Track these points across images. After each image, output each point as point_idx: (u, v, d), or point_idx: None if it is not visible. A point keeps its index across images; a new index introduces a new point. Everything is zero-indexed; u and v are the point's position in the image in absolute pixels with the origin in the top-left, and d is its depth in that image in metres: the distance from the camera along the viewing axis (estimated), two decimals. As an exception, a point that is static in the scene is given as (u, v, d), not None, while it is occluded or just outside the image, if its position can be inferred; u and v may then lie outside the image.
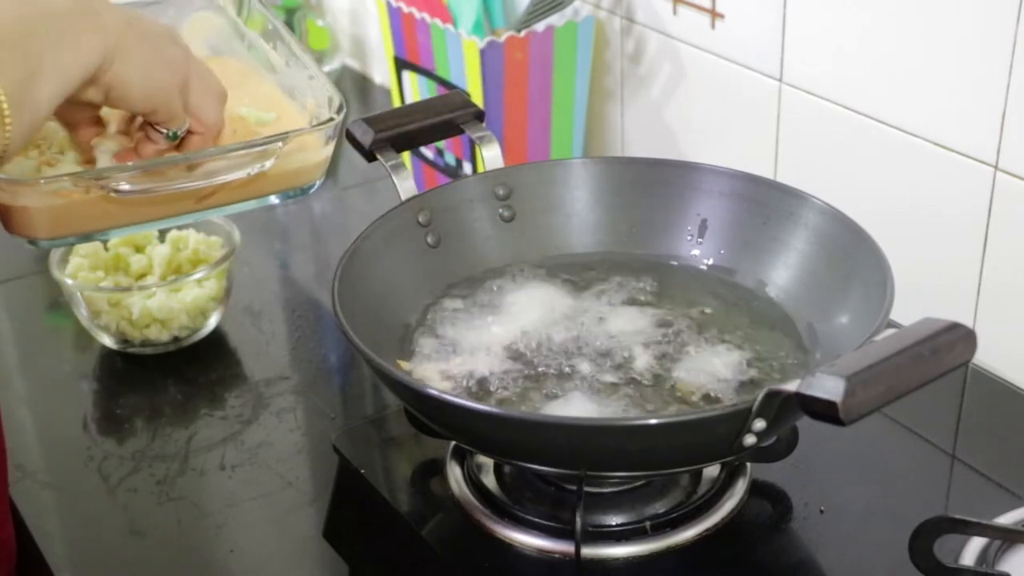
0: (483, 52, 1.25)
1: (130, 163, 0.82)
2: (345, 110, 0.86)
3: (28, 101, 0.70)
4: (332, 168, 1.55)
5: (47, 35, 0.72)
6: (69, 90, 0.74)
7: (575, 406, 0.83)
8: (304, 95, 0.90)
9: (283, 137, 0.83)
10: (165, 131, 0.81)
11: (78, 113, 0.81)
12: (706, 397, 0.83)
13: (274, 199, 0.87)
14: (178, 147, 0.82)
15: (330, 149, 0.87)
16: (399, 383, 0.78)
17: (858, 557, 0.83)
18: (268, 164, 0.83)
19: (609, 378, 0.86)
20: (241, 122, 0.87)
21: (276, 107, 0.90)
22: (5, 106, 0.69)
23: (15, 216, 0.79)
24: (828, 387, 0.64)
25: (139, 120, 0.82)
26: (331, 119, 0.85)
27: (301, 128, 0.85)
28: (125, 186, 0.80)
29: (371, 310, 0.88)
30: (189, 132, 0.82)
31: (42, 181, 0.79)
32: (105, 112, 0.83)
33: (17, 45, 0.70)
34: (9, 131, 0.69)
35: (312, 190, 0.89)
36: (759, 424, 0.71)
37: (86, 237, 0.85)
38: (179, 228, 1.19)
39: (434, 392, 0.76)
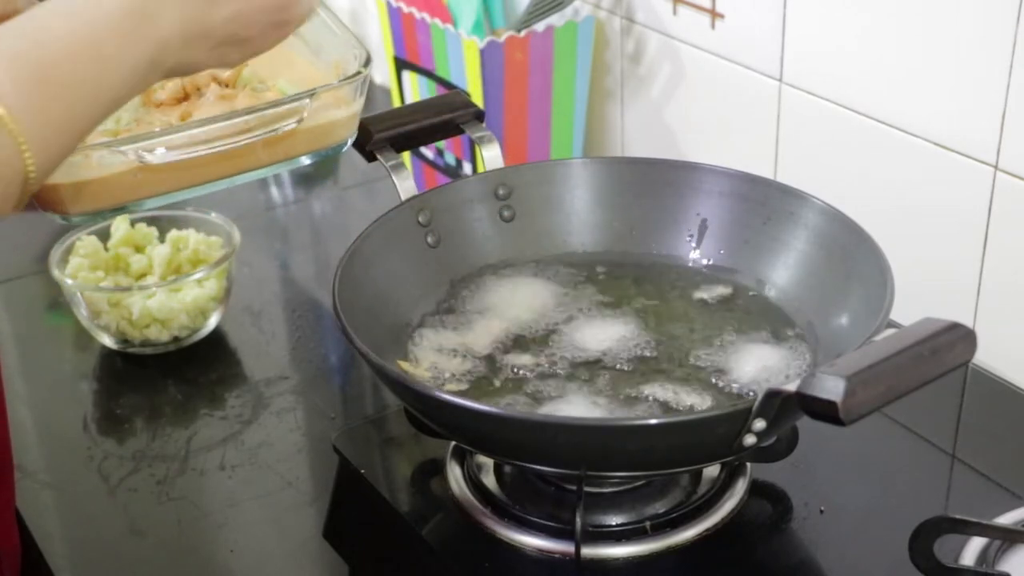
0: (483, 52, 1.25)
1: (157, 129, 0.80)
2: (372, 63, 0.85)
3: (54, 134, 0.65)
4: (332, 168, 1.57)
5: (91, 70, 0.66)
6: (117, 106, 0.69)
7: (574, 406, 0.83)
8: (329, 53, 0.89)
9: (311, 93, 0.82)
10: None
11: None
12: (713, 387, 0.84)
13: (305, 159, 0.86)
14: None
15: (360, 104, 0.87)
16: (399, 383, 0.78)
17: (858, 557, 0.83)
18: (296, 121, 0.82)
19: (609, 379, 0.86)
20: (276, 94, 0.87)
21: (303, 69, 0.89)
22: (23, 143, 0.63)
23: (44, 192, 0.77)
24: (828, 387, 0.64)
25: None
26: (358, 72, 0.84)
27: (329, 84, 0.84)
28: (158, 152, 0.78)
29: (371, 310, 0.88)
30: None
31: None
32: None
33: (60, 83, 0.65)
34: (32, 168, 0.64)
35: (344, 148, 0.88)
36: (759, 424, 0.71)
37: (119, 209, 0.83)
38: (179, 228, 1.19)
39: (434, 392, 0.76)
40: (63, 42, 0.66)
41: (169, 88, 0.87)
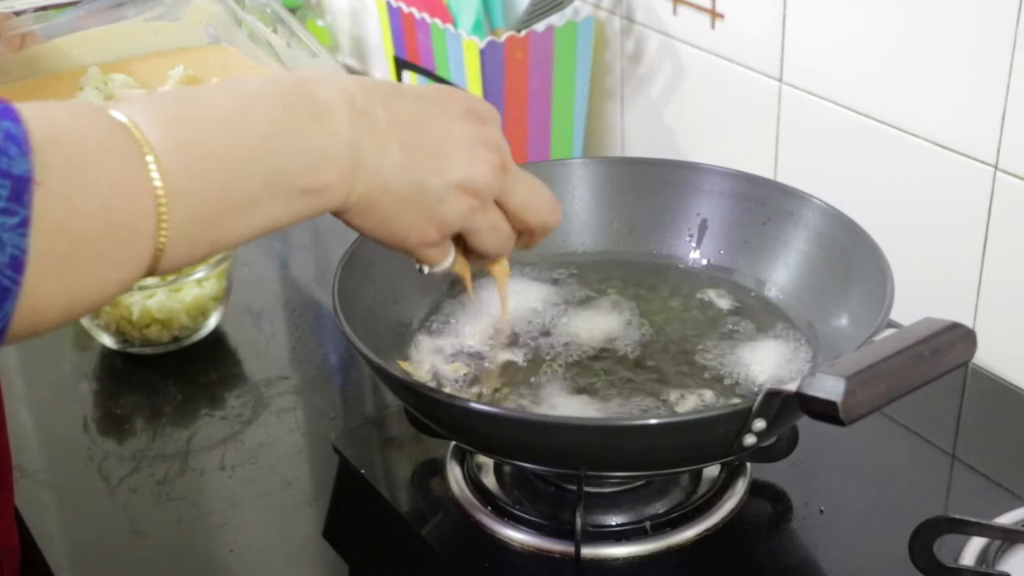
0: (483, 52, 1.25)
1: None
2: None
3: (215, 232, 0.58)
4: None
5: (275, 173, 0.59)
6: (275, 229, 0.62)
7: (573, 405, 0.83)
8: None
9: None
10: (420, 266, 0.72)
11: None
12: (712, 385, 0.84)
13: None
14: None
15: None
16: (399, 383, 0.78)
17: (858, 557, 0.83)
18: None
19: (609, 379, 0.86)
20: None
21: None
22: (165, 232, 0.55)
23: None
24: (828, 387, 0.64)
25: None
26: None
27: None
28: None
29: (371, 310, 0.88)
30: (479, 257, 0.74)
31: None
32: None
33: (237, 169, 0.58)
34: (164, 260, 0.56)
35: None
36: (759, 424, 0.71)
37: None
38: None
39: (434, 392, 0.76)
40: (222, 111, 0.59)
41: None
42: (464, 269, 0.76)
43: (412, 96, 0.67)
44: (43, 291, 0.51)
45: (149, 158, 0.54)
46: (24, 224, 0.49)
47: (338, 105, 0.62)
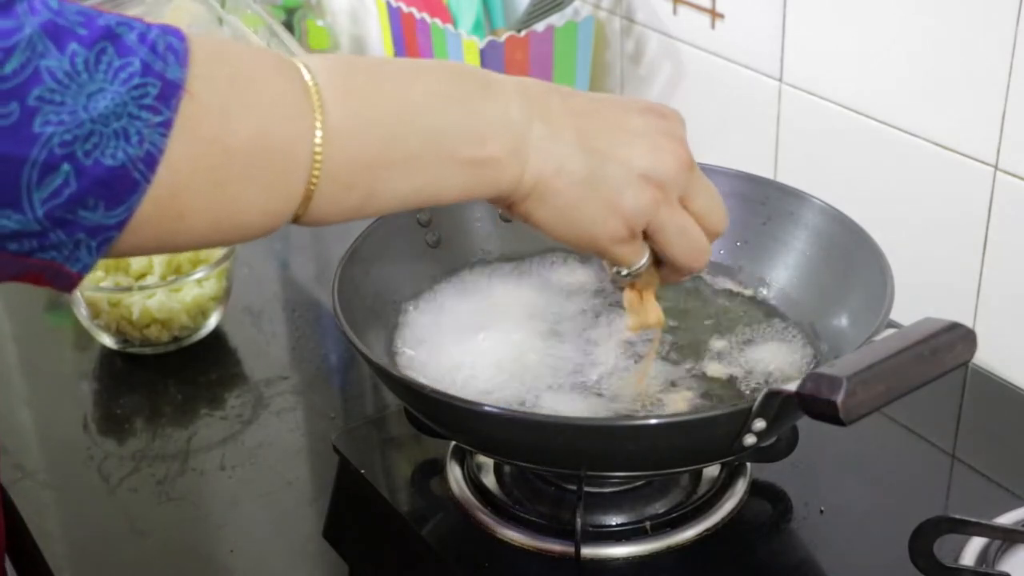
0: (483, 52, 1.25)
1: None
2: None
3: (370, 183, 0.58)
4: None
5: (440, 137, 0.60)
6: (437, 202, 0.62)
7: (574, 406, 0.83)
8: None
9: None
10: (615, 270, 0.70)
11: None
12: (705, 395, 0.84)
13: None
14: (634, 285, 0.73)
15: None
16: (399, 383, 0.78)
17: (858, 557, 0.83)
18: None
19: (608, 377, 0.86)
20: None
21: None
22: (318, 168, 0.56)
23: None
24: (828, 387, 0.63)
25: None
26: None
27: None
28: None
29: (371, 310, 0.88)
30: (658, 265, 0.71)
31: None
32: None
33: (416, 116, 0.58)
34: (318, 196, 0.57)
35: None
36: (759, 424, 0.71)
37: None
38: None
39: (434, 392, 0.76)
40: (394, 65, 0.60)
41: None
42: (649, 293, 0.73)
43: (587, 95, 0.66)
44: (190, 197, 0.54)
45: (313, 91, 0.56)
46: (166, 125, 0.52)
47: (510, 88, 0.62)
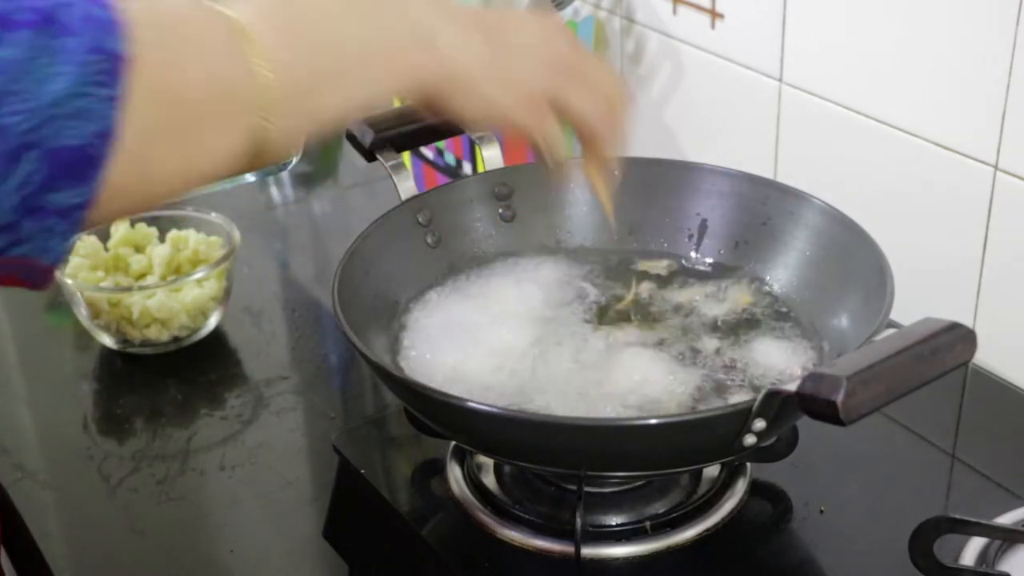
0: (483, 52, 1.25)
1: None
2: None
3: (306, 101, 0.63)
4: (332, 168, 1.57)
5: (365, 47, 0.65)
6: (374, 104, 0.68)
7: (574, 407, 0.83)
8: None
9: None
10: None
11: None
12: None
13: (250, 177, 0.88)
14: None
15: None
16: (399, 383, 0.78)
17: (858, 557, 0.83)
18: None
19: (606, 377, 0.86)
20: None
21: None
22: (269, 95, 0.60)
23: None
24: (828, 387, 0.63)
25: None
26: None
27: None
28: None
29: (371, 310, 0.88)
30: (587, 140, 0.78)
31: None
32: None
33: (329, 43, 0.64)
34: (271, 122, 0.61)
35: (288, 167, 0.89)
36: (759, 424, 0.71)
37: None
38: (179, 228, 1.19)
39: (434, 392, 0.76)
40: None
41: None
42: (593, 173, 0.81)
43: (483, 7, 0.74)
44: (155, 157, 0.56)
45: (248, 31, 0.60)
46: (119, 96, 0.53)
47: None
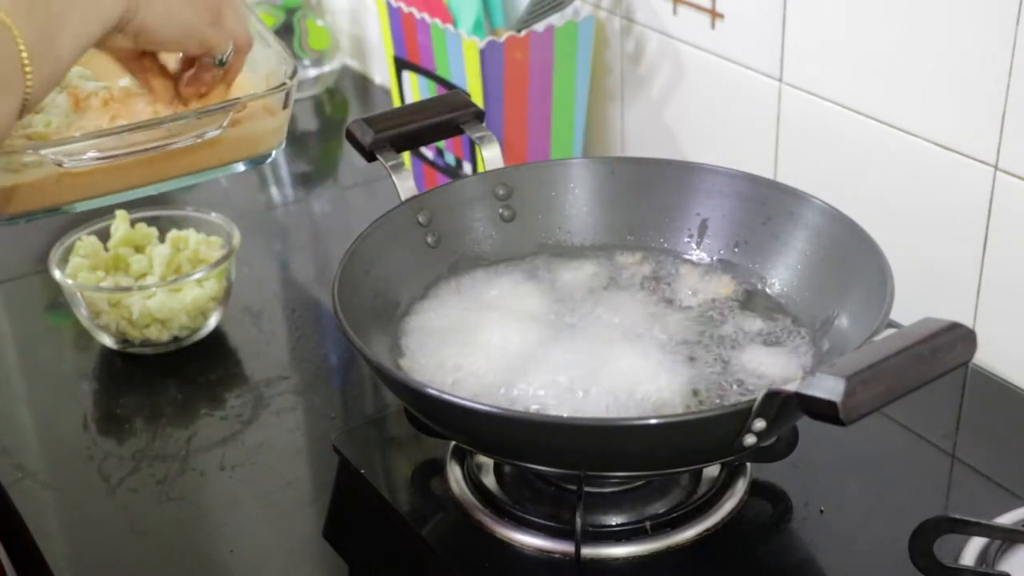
0: (483, 52, 1.25)
1: (77, 134, 0.83)
2: (297, 75, 0.89)
3: (49, 52, 0.74)
4: (332, 168, 1.57)
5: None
6: (92, 41, 0.78)
7: (573, 410, 0.83)
8: (262, 65, 0.92)
9: (234, 102, 0.85)
10: (211, 59, 0.87)
11: (131, 61, 0.87)
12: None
13: (240, 167, 0.89)
14: (227, 73, 0.88)
15: (286, 115, 0.91)
16: (399, 383, 0.78)
17: (858, 557, 0.83)
18: (219, 130, 0.85)
19: (606, 376, 0.86)
20: None
21: (236, 81, 0.91)
22: (25, 56, 0.72)
23: None
24: (828, 387, 0.64)
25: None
26: (283, 84, 0.87)
27: (253, 93, 0.88)
28: (81, 157, 0.81)
29: (371, 310, 0.88)
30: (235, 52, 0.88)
31: None
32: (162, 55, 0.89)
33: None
34: (30, 82, 0.73)
35: (270, 158, 0.91)
36: (759, 424, 0.71)
37: (47, 212, 0.85)
38: (179, 228, 1.19)
39: (434, 392, 0.76)
40: None
41: (101, 95, 0.89)
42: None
43: None
44: None
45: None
46: None
47: None
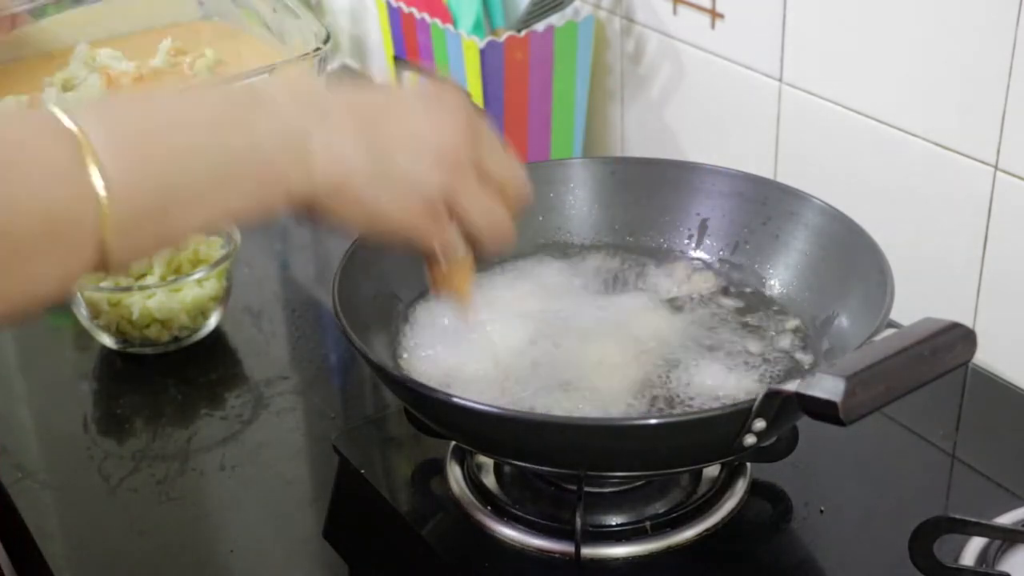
0: (483, 52, 1.25)
1: None
2: (331, 41, 0.86)
3: (150, 228, 0.57)
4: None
5: (225, 161, 0.59)
6: (234, 222, 0.63)
7: (572, 405, 0.83)
8: (293, 36, 0.91)
9: (270, 68, 0.84)
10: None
11: None
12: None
13: None
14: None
15: (322, 81, 0.88)
16: (399, 383, 0.78)
17: (858, 557, 0.83)
18: None
19: (605, 376, 0.86)
20: None
21: (267, 54, 0.90)
22: (109, 222, 0.54)
23: None
24: (828, 387, 0.64)
25: None
26: (317, 48, 0.86)
27: (288, 59, 0.85)
28: None
29: (372, 310, 0.88)
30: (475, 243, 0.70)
31: None
32: None
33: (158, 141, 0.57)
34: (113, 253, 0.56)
35: None
36: (759, 424, 0.71)
37: None
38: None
39: (434, 392, 0.76)
40: (169, 106, 0.59)
41: (132, 74, 0.88)
42: (462, 280, 0.74)
43: (356, 88, 0.66)
44: None
45: (87, 149, 0.53)
46: None
47: (281, 98, 0.61)
